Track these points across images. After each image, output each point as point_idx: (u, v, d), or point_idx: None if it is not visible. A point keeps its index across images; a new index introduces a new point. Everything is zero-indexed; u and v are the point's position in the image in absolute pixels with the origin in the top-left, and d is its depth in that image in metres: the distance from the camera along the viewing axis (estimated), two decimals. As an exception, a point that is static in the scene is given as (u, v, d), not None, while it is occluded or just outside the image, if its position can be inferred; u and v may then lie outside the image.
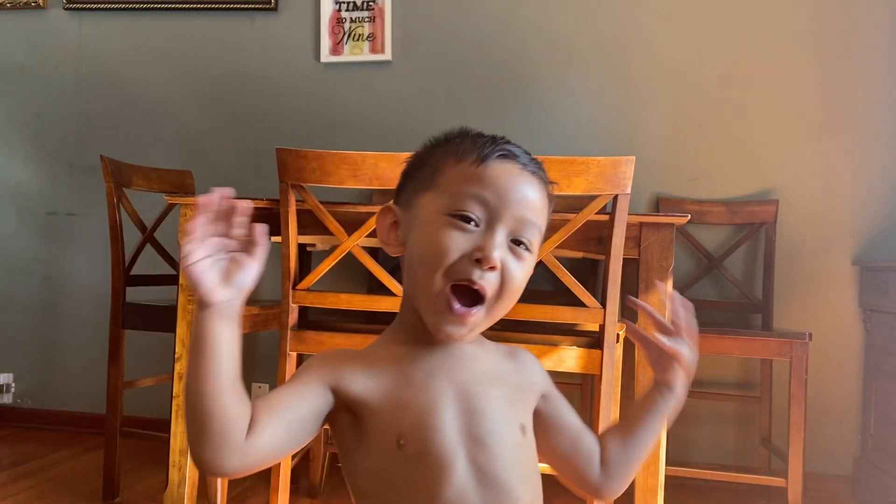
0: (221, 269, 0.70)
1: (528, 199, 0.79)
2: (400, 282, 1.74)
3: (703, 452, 2.63)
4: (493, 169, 0.79)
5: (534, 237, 0.80)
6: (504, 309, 0.80)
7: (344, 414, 0.79)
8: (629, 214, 1.64)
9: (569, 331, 1.84)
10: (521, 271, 0.79)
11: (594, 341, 1.68)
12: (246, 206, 0.71)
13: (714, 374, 2.63)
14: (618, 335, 1.69)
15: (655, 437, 0.90)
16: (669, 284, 1.71)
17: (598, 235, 1.71)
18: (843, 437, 2.55)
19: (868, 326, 2.51)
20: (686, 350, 0.87)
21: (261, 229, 0.71)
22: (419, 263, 0.79)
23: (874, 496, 2.37)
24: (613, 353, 1.65)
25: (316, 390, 0.77)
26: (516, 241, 0.79)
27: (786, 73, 2.63)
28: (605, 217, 1.66)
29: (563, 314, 1.66)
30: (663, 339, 0.87)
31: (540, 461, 0.85)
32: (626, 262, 1.68)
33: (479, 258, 0.75)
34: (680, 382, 0.89)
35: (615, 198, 1.61)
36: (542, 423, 0.87)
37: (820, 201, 2.60)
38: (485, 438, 0.78)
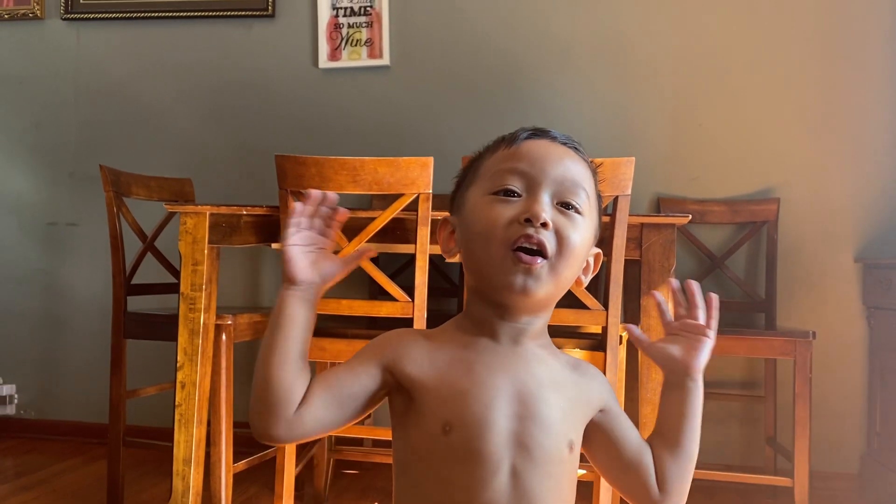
0: (311, 258, 0.79)
1: (564, 163, 0.81)
2: (402, 287, 1.74)
3: (709, 453, 2.62)
4: (525, 145, 0.82)
5: (582, 200, 0.81)
6: (568, 270, 0.80)
7: (398, 392, 0.81)
8: (630, 215, 1.64)
9: (571, 333, 1.84)
10: (575, 232, 0.79)
11: (597, 343, 1.68)
12: (344, 212, 0.81)
13: (718, 374, 2.62)
14: (620, 337, 1.68)
15: (698, 434, 0.86)
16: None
17: (598, 237, 1.71)
18: (849, 435, 2.54)
19: (872, 324, 2.50)
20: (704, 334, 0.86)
21: (362, 248, 0.75)
22: (476, 245, 0.80)
23: (881, 494, 2.36)
24: (617, 356, 1.64)
25: (370, 370, 0.80)
26: (565, 205, 0.80)
27: (786, 71, 2.62)
28: (605, 218, 1.66)
29: (565, 316, 1.65)
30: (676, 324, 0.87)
31: (600, 475, 0.86)
32: (627, 263, 1.67)
33: (527, 218, 0.77)
34: (700, 366, 0.85)
35: (616, 199, 1.61)
36: (600, 437, 0.84)
37: (821, 199, 2.59)
38: (532, 448, 0.77)
